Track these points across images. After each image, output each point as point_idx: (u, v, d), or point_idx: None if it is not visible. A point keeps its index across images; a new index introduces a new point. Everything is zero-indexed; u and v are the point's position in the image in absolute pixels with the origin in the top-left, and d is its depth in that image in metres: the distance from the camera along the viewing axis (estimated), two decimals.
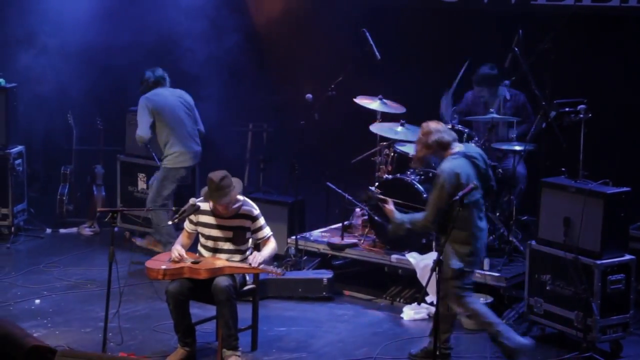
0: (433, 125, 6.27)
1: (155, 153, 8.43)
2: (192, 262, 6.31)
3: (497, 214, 7.69)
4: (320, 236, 8.22)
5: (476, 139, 7.68)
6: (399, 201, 6.63)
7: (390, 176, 7.73)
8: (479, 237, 6.20)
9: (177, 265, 6.28)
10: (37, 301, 7.48)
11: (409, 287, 7.66)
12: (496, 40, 8.02)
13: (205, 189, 6.36)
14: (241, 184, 6.46)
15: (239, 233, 6.40)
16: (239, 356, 6.25)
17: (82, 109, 9.75)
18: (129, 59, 9.37)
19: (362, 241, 7.90)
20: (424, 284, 7.11)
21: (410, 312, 7.27)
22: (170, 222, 6.79)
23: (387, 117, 8.11)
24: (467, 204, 5.99)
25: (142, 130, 8.18)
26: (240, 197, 6.46)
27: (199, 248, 6.53)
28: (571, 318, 6.53)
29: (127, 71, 9.33)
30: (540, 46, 7.33)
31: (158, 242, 8.27)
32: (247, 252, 6.47)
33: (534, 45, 7.38)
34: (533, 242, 6.85)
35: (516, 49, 7.40)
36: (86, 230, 9.40)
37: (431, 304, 7.21)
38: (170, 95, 8.30)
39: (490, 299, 7.08)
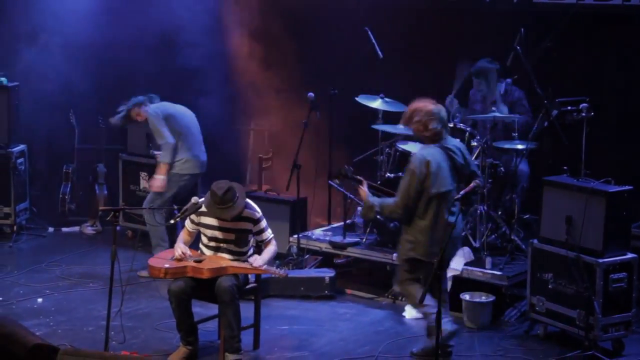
0: (435, 109, 6.23)
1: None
2: (195, 261, 6.31)
3: (500, 212, 7.69)
4: (322, 235, 8.22)
5: (478, 137, 7.67)
6: (376, 185, 6.62)
7: (392, 175, 7.72)
8: (441, 229, 6.15)
9: (180, 264, 6.27)
10: (40, 300, 7.49)
11: None
12: (498, 39, 8.01)
13: (208, 198, 6.30)
14: (244, 193, 6.40)
15: (241, 235, 6.40)
16: (240, 359, 6.25)
17: (84, 107, 9.75)
18: (131, 58, 9.37)
19: (364, 239, 7.90)
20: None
21: (412, 311, 7.26)
22: (172, 221, 6.78)
23: (389, 116, 8.11)
24: (435, 195, 6.05)
25: (167, 137, 8.05)
26: None
27: (201, 246, 6.53)
28: (573, 316, 6.53)
29: (130, 70, 9.34)
30: (543, 45, 7.33)
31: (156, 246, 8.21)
32: (249, 253, 6.47)
33: (536, 43, 7.38)
34: (535, 241, 6.85)
35: (518, 48, 7.40)
36: (88, 229, 9.40)
37: None
38: (175, 105, 8.31)
39: (492, 298, 7.09)
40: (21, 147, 9.25)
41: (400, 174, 7.73)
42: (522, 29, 7.42)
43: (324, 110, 8.22)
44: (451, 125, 7.73)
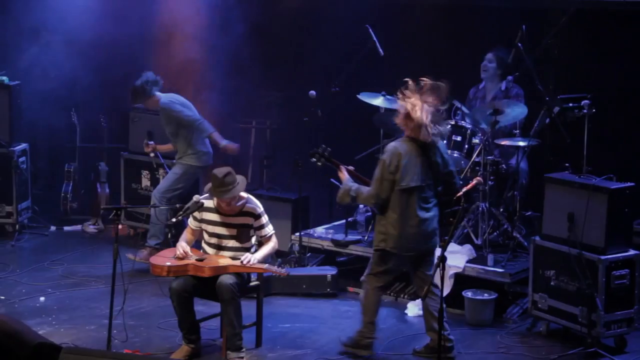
0: (428, 107, 6.17)
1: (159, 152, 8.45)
2: (197, 260, 6.32)
3: (501, 209, 7.69)
4: (324, 233, 8.22)
5: (479, 135, 7.67)
6: (353, 171, 6.64)
7: None
8: (411, 224, 6.18)
9: (182, 263, 6.28)
10: (42, 299, 7.49)
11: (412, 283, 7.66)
12: (500, 36, 8.01)
13: (209, 185, 6.37)
14: (245, 181, 6.45)
15: (243, 230, 6.41)
16: (242, 357, 6.25)
17: (86, 106, 9.76)
18: (132, 56, 9.37)
19: (366, 237, 7.90)
20: None
21: (415, 309, 7.27)
22: (174, 220, 6.78)
23: (390, 114, 8.10)
24: (405, 188, 6.10)
25: (194, 115, 8.08)
26: (244, 195, 6.47)
27: (203, 245, 6.54)
28: (575, 313, 6.52)
29: (131, 69, 9.32)
30: (544, 42, 7.33)
31: (152, 236, 8.22)
32: (252, 250, 6.48)
33: (538, 40, 7.37)
34: (537, 238, 6.85)
35: (520, 45, 7.39)
36: (90, 228, 9.41)
37: None
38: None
39: (494, 295, 7.08)
40: (23, 145, 9.25)
41: None
42: (524, 26, 7.42)
43: (325, 107, 8.21)
44: (452, 122, 7.74)
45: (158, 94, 8.13)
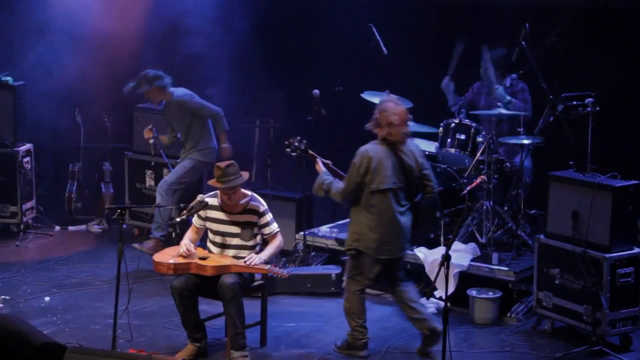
0: (394, 111, 6.26)
1: (163, 149, 8.45)
2: (200, 258, 6.33)
3: (505, 207, 7.69)
4: (328, 232, 8.22)
5: (484, 133, 7.66)
6: (330, 165, 6.67)
7: None
8: (385, 226, 6.23)
9: (185, 261, 6.29)
10: (47, 298, 7.50)
11: (417, 282, 7.65)
12: (503, 34, 8.00)
13: (212, 180, 6.40)
14: (247, 176, 6.45)
15: (247, 228, 6.42)
16: (246, 356, 6.25)
17: (90, 106, 9.76)
18: (137, 56, 9.38)
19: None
20: (432, 278, 7.11)
21: None
22: (178, 219, 6.79)
23: None
24: (375, 190, 6.17)
25: (214, 108, 8.17)
26: (248, 193, 6.48)
27: (208, 244, 6.55)
28: (580, 312, 6.52)
29: (135, 69, 9.33)
30: (548, 39, 7.31)
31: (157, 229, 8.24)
32: (257, 248, 6.48)
33: (541, 38, 7.36)
34: (541, 236, 6.84)
35: (523, 43, 7.38)
36: (95, 228, 9.42)
37: (440, 298, 7.21)
38: None
39: (498, 294, 7.08)
40: (27, 146, 9.27)
41: None
42: (527, 24, 7.41)
43: (329, 106, 8.21)
44: (456, 121, 7.74)
45: (171, 88, 8.15)
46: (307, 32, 9.38)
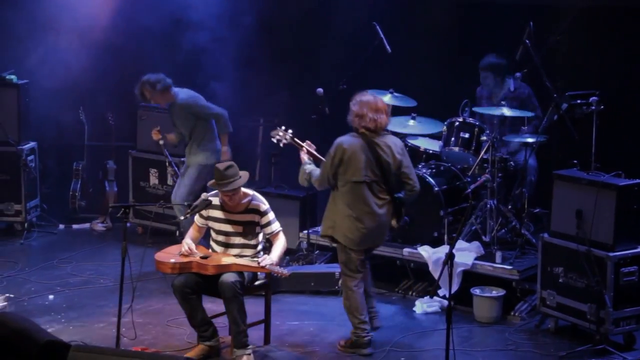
0: (367, 101, 6.41)
1: (168, 150, 8.45)
2: (201, 257, 6.33)
3: (509, 206, 7.68)
4: None
5: (487, 132, 7.66)
6: (314, 153, 6.73)
7: None
8: (360, 218, 6.32)
9: (186, 260, 6.30)
10: (51, 297, 7.52)
11: (421, 280, 7.66)
12: (507, 33, 7.99)
13: (211, 182, 6.41)
14: (247, 176, 6.44)
15: (249, 228, 6.42)
16: (249, 354, 6.26)
17: (94, 104, 9.77)
18: (141, 54, 9.38)
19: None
20: (436, 277, 7.11)
21: (423, 306, 7.27)
22: (182, 218, 6.79)
23: (398, 111, 8.09)
24: (348, 182, 6.27)
25: (219, 109, 8.10)
26: (250, 192, 6.48)
27: (211, 243, 6.55)
28: (584, 310, 6.51)
29: (139, 67, 9.33)
30: (552, 38, 7.31)
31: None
32: (259, 247, 6.48)
33: (545, 37, 7.36)
34: (545, 235, 6.84)
35: (527, 41, 7.38)
36: (99, 226, 9.43)
37: (443, 297, 7.21)
38: None
39: (502, 292, 7.08)
40: (31, 144, 9.28)
41: None
42: (531, 23, 7.40)
43: (333, 105, 8.21)
44: (460, 119, 7.74)
45: (174, 89, 8.10)
46: (310, 30, 9.37)
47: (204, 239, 6.73)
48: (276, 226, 6.49)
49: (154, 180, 9.00)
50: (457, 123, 7.74)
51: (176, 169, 8.39)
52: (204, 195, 6.48)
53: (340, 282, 6.62)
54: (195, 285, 6.27)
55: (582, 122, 6.98)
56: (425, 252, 7.45)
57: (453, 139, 7.72)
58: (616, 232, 6.41)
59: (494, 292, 7.11)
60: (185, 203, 7.52)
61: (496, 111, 7.59)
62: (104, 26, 9.49)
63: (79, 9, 9.36)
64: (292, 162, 9.15)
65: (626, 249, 6.46)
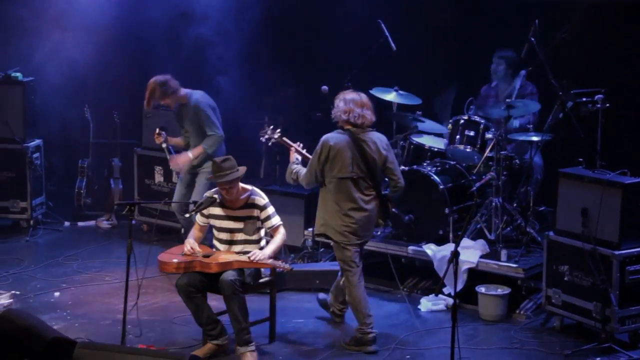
0: (351, 98, 6.47)
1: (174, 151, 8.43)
2: (204, 256, 6.34)
3: (515, 204, 7.67)
4: None
5: (493, 129, 7.65)
6: (302, 151, 6.79)
7: (406, 167, 7.72)
8: (348, 215, 6.39)
9: (189, 259, 6.30)
10: (57, 294, 7.53)
11: (426, 278, 7.66)
12: (512, 30, 7.98)
13: (210, 176, 6.43)
14: (245, 170, 6.43)
15: (250, 223, 6.43)
16: (252, 351, 6.26)
17: (99, 102, 9.78)
18: (146, 52, 9.38)
19: (379, 232, 7.89)
20: (441, 275, 7.12)
21: (428, 304, 7.27)
22: (187, 215, 6.78)
23: (403, 109, 8.09)
24: (335, 178, 6.35)
25: (219, 129, 7.84)
26: (248, 187, 6.49)
27: (214, 241, 6.56)
28: (590, 309, 6.51)
29: (144, 65, 9.35)
30: (557, 36, 7.29)
31: None
32: (262, 243, 6.49)
33: (551, 35, 7.34)
34: (551, 233, 6.83)
35: (533, 39, 7.37)
36: (104, 223, 9.45)
37: (449, 295, 7.21)
38: None
39: (507, 290, 7.07)
40: (37, 142, 9.30)
41: (414, 166, 7.76)
42: (537, 20, 7.39)
43: None
44: (466, 117, 7.73)
45: (186, 90, 7.97)
46: (316, 27, 9.36)
47: (207, 240, 6.74)
48: (276, 220, 6.49)
49: (159, 177, 9.01)
50: (462, 121, 7.73)
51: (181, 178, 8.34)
52: (208, 193, 6.49)
53: (342, 280, 6.61)
54: (199, 284, 6.27)
55: (588, 120, 6.97)
56: (431, 250, 7.44)
57: (458, 136, 7.71)
58: (622, 231, 6.40)
59: (499, 290, 7.10)
60: (190, 202, 7.51)
61: (502, 110, 7.58)
62: (109, 24, 9.50)
63: (84, 7, 9.37)
64: None
65: (632, 247, 6.44)
